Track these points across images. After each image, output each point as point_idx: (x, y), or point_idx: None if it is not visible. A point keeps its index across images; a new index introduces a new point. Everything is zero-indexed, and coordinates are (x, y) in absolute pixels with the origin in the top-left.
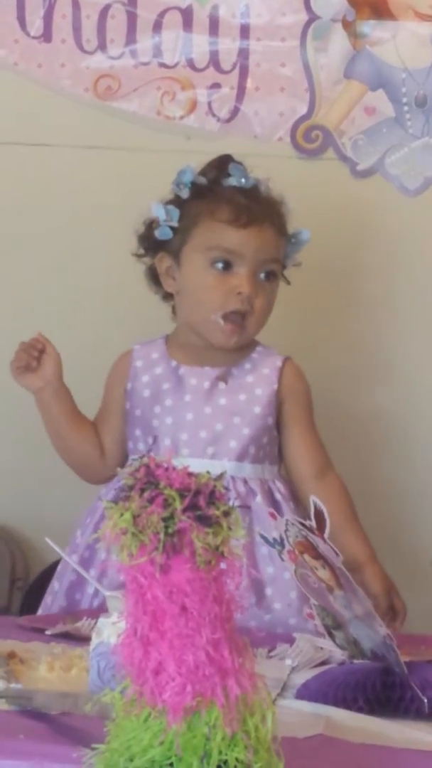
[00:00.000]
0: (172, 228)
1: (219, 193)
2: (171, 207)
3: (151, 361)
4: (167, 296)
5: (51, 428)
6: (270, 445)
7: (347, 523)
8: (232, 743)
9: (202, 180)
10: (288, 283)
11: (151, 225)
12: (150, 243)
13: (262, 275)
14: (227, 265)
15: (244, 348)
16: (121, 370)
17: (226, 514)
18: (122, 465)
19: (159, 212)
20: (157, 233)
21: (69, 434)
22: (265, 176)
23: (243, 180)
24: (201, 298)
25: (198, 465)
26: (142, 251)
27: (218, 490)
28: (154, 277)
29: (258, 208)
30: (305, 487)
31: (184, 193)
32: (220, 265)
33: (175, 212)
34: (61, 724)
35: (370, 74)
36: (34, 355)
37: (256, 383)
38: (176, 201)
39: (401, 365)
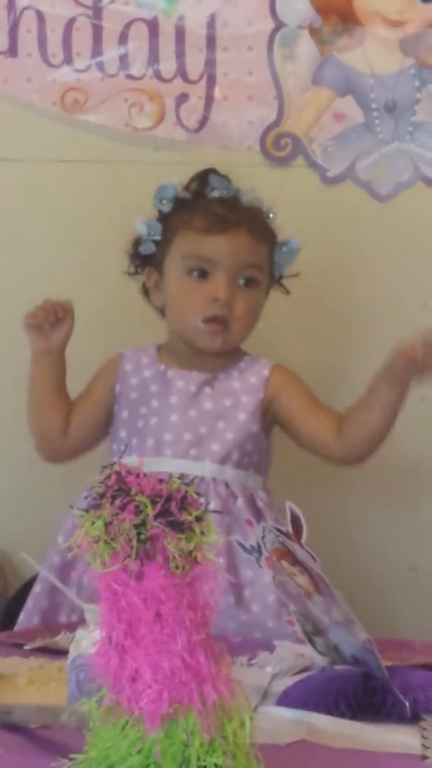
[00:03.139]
0: (155, 242)
1: (197, 205)
2: (153, 222)
3: (140, 364)
4: (162, 310)
5: (33, 390)
6: (256, 453)
7: (362, 403)
8: (211, 749)
9: (185, 194)
10: (287, 292)
11: (137, 242)
12: (138, 260)
13: (242, 281)
14: (204, 273)
15: (232, 356)
16: (111, 370)
17: (199, 519)
18: (80, 451)
19: (141, 229)
20: (142, 249)
21: (45, 402)
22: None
23: (224, 191)
24: (181, 306)
25: (180, 465)
26: (132, 269)
27: (190, 495)
28: (146, 292)
29: (232, 215)
30: (334, 451)
31: (166, 208)
32: (196, 274)
33: (157, 226)
34: (41, 737)
35: (339, 80)
36: (50, 319)
37: (242, 390)
38: (159, 216)
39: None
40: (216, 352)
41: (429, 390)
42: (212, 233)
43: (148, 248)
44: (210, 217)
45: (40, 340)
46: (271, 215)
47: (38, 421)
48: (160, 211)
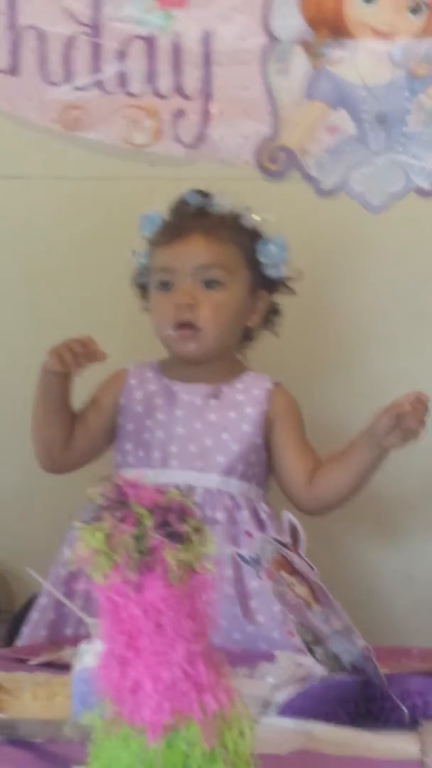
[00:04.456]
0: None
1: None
2: (140, 251)
3: (144, 378)
4: None
5: (40, 403)
6: (258, 466)
7: (337, 460)
8: (211, 758)
9: (168, 217)
10: (293, 293)
11: (136, 273)
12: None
13: (202, 283)
14: (167, 284)
15: (235, 369)
16: (115, 384)
17: (197, 530)
18: (81, 463)
19: (134, 259)
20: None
21: (50, 414)
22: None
23: (185, 203)
24: (155, 319)
25: (186, 477)
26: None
27: (188, 506)
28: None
29: (185, 223)
30: (299, 495)
31: (147, 234)
32: (162, 286)
33: (143, 253)
34: (46, 751)
35: (331, 93)
36: (76, 361)
37: (247, 402)
38: (148, 243)
39: (374, 381)
40: (197, 358)
41: None
42: (167, 244)
43: (142, 276)
44: (165, 229)
45: (58, 367)
46: (244, 216)
47: (42, 433)
48: (147, 239)
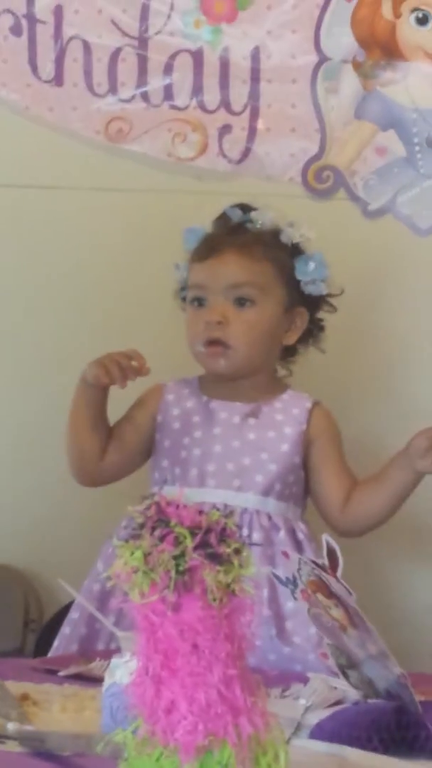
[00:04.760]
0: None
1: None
2: (183, 264)
3: (182, 395)
4: None
5: (76, 415)
6: (296, 485)
7: (373, 481)
8: None
9: (208, 230)
10: (334, 310)
11: (180, 288)
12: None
13: (234, 301)
14: (201, 300)
15: (275, 388)
16: (153, 399)
17: (237, 551)
18: (115, 477)
19: (177, 273)
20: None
21: (87, 426)
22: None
23: (231, 216)
24: (188, 335)
25: (223, 496)
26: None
27: (229, 527)
28: None
29: (220, 239)
30: (334, 516)
31: (190, 248)
32: (195, 303)
33: (185, 266)
34: (74, 765)
35: (381, 114)
36: (123, 375)
37: (286, 422)
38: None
39: (416, 403)
40: (227, 375)
41: None
42: (201, 260)
43: (184, 292)
44: (201, 245)
45: (104, 380)
46: (283, 231)
47: (77, 445)
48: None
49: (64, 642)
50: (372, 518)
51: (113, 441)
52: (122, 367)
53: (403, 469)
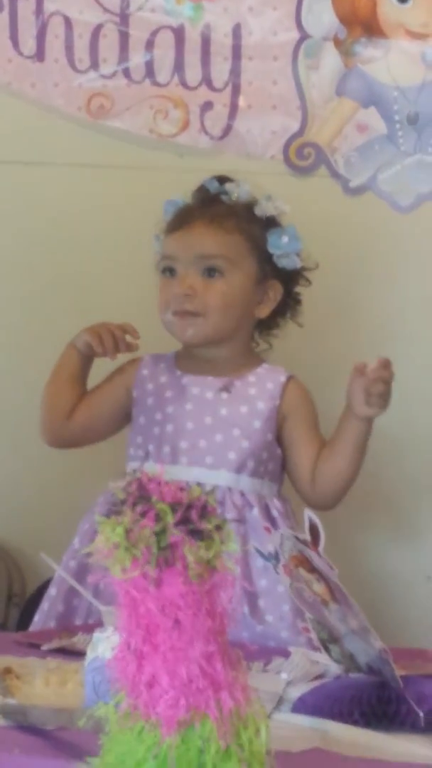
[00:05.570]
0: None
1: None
2: (161, 236)
3: (156, 370)
4: None
5: (58, 371)
6: (271, 461)
7: (329, 443)
8: (226, 756)
9: (188, 201)
10: (309, 283)
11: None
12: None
13: (204, 272)
14: (171, 270)
15: (249, 361)
16: (130, 371)
17: (218, 527)
18: (80, 439)
19: (155, 245)
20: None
21: (64, 388)
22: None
23: (209, 187)
24: (159, 304)
25: (196, 474)
26: None
27: (210, 504)
28: None
29: (191, 211)
30: (306, 491)
31: (168, 219)
32: (167, 273)
33: (160, 238)
34: (57, 738)
35: (362, 92)
36: (116, 347)
37: (259, 396)
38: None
39: (395, 382)
40: (196, 343)
41: None
42: (173, 231)
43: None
44: (175, 216)
45: (97, 348)
46: (258, 204)
47: (49, 401)
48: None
49: (42, 618)
50: (338, 478)
51: (83, 402)
52: (116, 339)
53: (350, 421)
